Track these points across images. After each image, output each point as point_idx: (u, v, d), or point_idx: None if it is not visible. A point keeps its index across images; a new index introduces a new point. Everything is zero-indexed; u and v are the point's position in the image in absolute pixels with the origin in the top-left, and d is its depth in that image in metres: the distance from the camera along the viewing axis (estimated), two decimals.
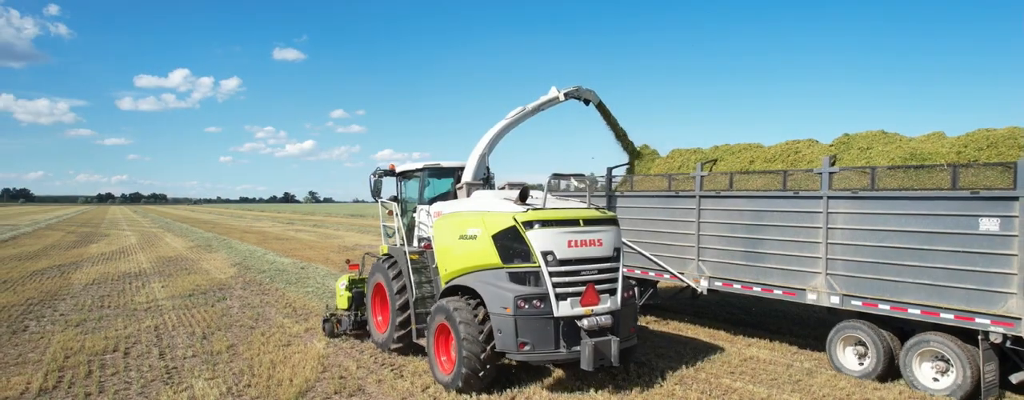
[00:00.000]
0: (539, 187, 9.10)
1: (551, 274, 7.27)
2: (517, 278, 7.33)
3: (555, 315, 7.23)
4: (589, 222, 7.69)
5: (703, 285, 10.15)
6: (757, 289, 9.46)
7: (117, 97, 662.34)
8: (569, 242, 7.41)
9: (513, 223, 7.36)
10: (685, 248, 10.51)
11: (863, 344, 8.36)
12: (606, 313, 7.47)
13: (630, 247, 11.35)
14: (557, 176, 8.38)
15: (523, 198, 7.87)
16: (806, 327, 11.41)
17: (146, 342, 10.35)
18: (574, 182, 10.26)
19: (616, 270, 7.81)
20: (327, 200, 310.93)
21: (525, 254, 7.32)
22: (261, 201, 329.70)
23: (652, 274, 11.15)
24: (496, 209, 7.79)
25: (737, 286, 9.76)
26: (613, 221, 8.08)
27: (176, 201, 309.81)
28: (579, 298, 7.36)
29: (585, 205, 8.35)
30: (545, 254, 7.28)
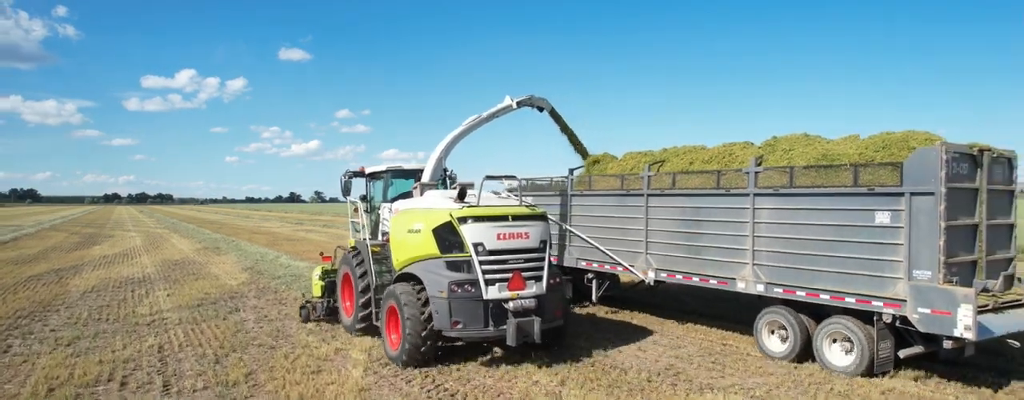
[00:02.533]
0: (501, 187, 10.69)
1: (481, 262, 8.87)
2: (453, 266, 8.94)
3: (484, 298, 8.81)
4: (517, 218, 9.28)
5: (650, 276, 11.53)
6: (696, 279, 10.83)
7: (124, 98, 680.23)
8: (498, 235, 9.02)
9: (449, 219, 9.00)
10: (635, 242, 11.90)
11: (785, 328, 9.68)
12: (531, 297, 9.02)
13: (587, 242, 12.80)
14: (489, 177, 9.92)
15: (461, 197, 9.44)
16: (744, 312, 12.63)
17: (147, 368, 9.24)
18: (506, 182, 11.76)
19: (542, 260, 9.37)
20: (333, 200, 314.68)
21: (460, 245, 8.94)
22: (267, 201, 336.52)
23: (608, 267, 12.54)
24: (437, 206, 9.44)
25: (679, 277, 11.13)
26: (540, 217, 9.65)
27: (182, 201, 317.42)
28: (507, 284, 8.93)
29: (517, 203, 9.89)
30: (476, 245, 8.89)
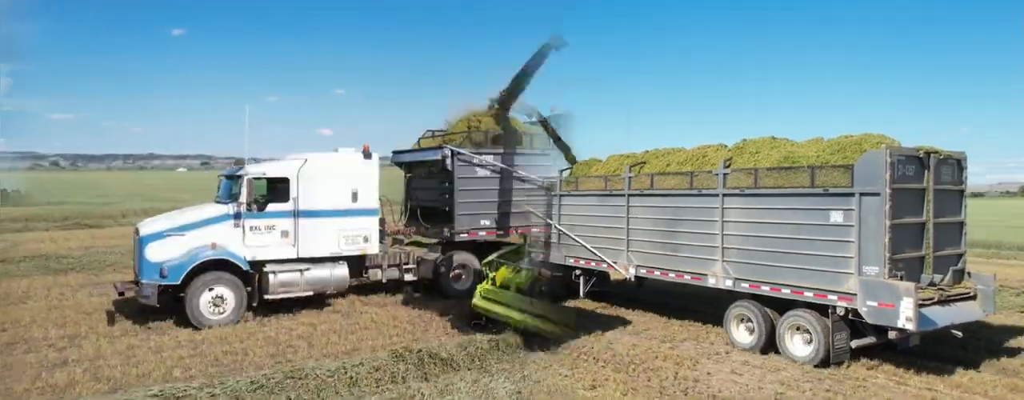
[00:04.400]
0: None
1: None
2: None
3: None
4: None
5: (631, 273, 12.38)
6: (672, 275, 11.69)
7: None
8: None
9: None
10: (617, 240, 12.77)
11: (751, 320, 10.48)
12: None
13: (575, 240, 13.67)
14: None
15: None
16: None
17: None
18: None
19: None
20: None
21: None
22: None
23: (594, 264, 13.41)
24: None
25: (657, 273, 12.00)
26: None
27: None
28: None
29: None
30: None
